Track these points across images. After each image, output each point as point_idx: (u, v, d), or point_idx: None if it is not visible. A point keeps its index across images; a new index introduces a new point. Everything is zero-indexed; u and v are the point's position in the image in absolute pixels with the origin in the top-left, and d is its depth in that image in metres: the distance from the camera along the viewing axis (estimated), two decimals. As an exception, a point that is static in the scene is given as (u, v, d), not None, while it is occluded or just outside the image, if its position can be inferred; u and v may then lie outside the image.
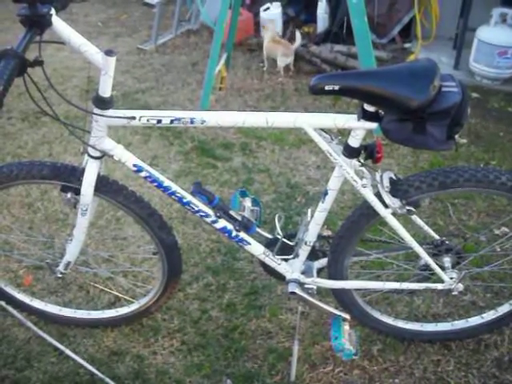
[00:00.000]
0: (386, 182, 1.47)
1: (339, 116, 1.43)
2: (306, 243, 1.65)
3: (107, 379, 1.79)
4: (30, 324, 1.97)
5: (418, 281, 1.76)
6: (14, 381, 1.81)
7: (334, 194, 1.54)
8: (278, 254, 1.70)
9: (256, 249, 1.69)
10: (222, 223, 1.63)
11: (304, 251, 1.67)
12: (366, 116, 1.39)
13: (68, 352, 1.88)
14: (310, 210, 1.69)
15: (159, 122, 1.46)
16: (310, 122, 1.43)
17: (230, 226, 1.63)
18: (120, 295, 2.07)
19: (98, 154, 1.54)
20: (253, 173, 2.90)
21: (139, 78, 4.01)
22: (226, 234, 1.65)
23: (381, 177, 1.49)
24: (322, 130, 1.47)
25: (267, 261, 1.71)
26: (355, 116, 1.42)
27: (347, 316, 1.76)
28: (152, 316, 2.02)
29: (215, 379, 1.83)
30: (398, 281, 1.81)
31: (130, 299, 2.01)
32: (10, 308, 2.00)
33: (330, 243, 1.69)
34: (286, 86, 3.88)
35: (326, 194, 1.55)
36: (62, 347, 1.90)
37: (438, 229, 1.78)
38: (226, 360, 1.89)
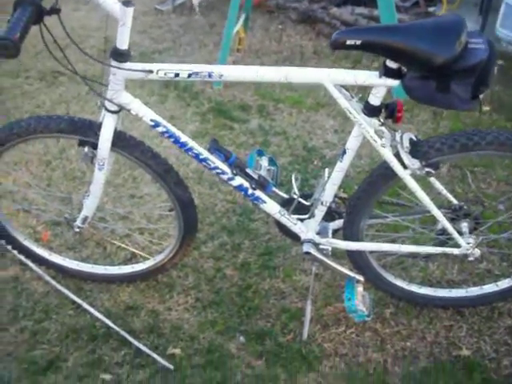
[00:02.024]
0: (406, 143, 1.45)
1: (360, 72, 1.40)
2: (322, 203, 1.64)
3: (123, 332, 1.82)
4: (48, 277, 2.01)
5: (435, 245, 1.75)
6: (32, 331, 1.84)
7: (352, 154, 1.53)
8: (293, 214, 1.70)
9: (272, 207, 1.68)
10: (239, 181, 1.62)
11: (320, 211, 1.67)
12: (387, 73, 1.36)
13: (85, 305, 1.91)
14: (326, 170, 1.67)
15: (177, 75, 1.44)
16: (331, 77, 1.41)
17: (246, 184, 1.63)
18: (136, 252, 2.09)
19: (115, 108, 1.53)
20: (269, 135, 2.88)
21: (156, 38, 3.96)
22: (242, 192, 1.64)
23: (401, 137, 1.47)
24: (343, 87, 1.44)
25: (283, 220, 1.71)
26: (377, 73, 1.39)
27: (361, 278, 1.76)
28: (167, 273, 2.04)
29: (228, 336, 1.85)
30: (413, 245, 1.80)
31: (146, 256, 2.03)
32: (29, 262, 2.04)
33: (347, 204, 1.68)
34: (305, 48, 3.82)
35: (344, 153, 1.53)
36: (79, 301, 1.93)
37: (456, 196, 1.76)
38: (239, 318, 1.91)
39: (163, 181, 1.68)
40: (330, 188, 1.61)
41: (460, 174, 2.57)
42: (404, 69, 1.37)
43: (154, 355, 1.76)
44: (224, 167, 1.60)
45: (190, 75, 1.44)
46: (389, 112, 1.42)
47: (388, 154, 1.48)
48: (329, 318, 1.91)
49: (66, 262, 2.01)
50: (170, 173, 1.68)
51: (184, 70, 1.43)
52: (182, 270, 2.08)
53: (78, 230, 1.82)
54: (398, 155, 1.48)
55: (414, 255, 1.84)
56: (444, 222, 1.63)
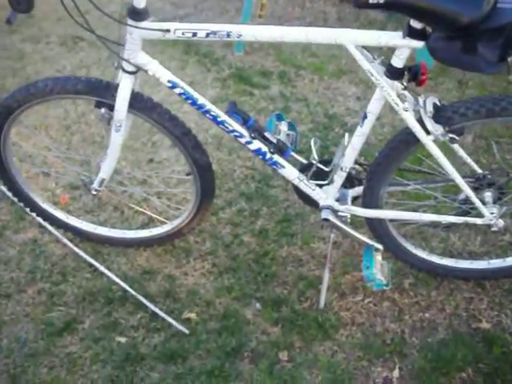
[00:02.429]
0: (430, 107, 1.40)
1: (383, 33, 1.35)
2: (341, 169, 1.60)
3: (139, 296, 1.83)
4: (66, 240, 2.02)
5: (457, 215, 1.71)
6: (49, 293, 1.86)
7: (373, 118, 1.48)
8: (312, 179, 1.67)
9: (290, 172, 1.65)
10: (257, 145, 1.59)
11: (339, 177, 1.63)
12: (412, 33, 1.30)
13: (102, 269, 1.92)
14: (347, 135, 1.63)
15: (194, 35, 1.41)
16: (353, 38, 1.36)
17: (264, 148, 1.60)
18: (154, 216, 2.08)
19: (132, 68, 1.50)
20: (290, 101, 2.82)
21: (177, 3, 3.89)
22: (261, 156, 1.61)
23: (424, 101, 1.42)
24: (365, 48, 1.39)
25: (301, 186, 1.68)
26: (400, 34, 1.33)
27: (380, 246, 1.73)
28: (184, 238, 2.04)
29: (244, 302, 1.85)
30: (435, 214, 1.76)
31: (164, 220, 2.02)
32: (47, 224, 2.05)
33: (367, 171, 1.64)
34: (329, 14, 3.72)
35: (364, 117, 1.49)
36: (96, 264, 1.94)
37: (481, 166, 1.70)
38: (255, 284, 1.90)
39: (181, 144, 1.66)
40: (349, 153, 1.57)
41: (485, 144, 2.50)
42: (429, 29, 1.31)
43: (170, 319, 1.77)
44: (242, 130, 1.57)
45: (208, 34, 1.40)
46: (412, 75, 1.37)
47: (410, 119, 1.43)
48: (346, 286, 1.89)
49: (84, 225, 2.02)
50: (188, 136, 1.66)
51: (202, 29, 1.40)
52: (200, 236, 2.07)
53: (95, 192, 1.82)
54: (420, 120, 1.43)
55: (435, 224, 1.80)
56: (467, 190, 1.58)
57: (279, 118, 1.75)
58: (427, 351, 1.71)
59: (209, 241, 2.06)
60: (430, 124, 1.41)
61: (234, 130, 1.56)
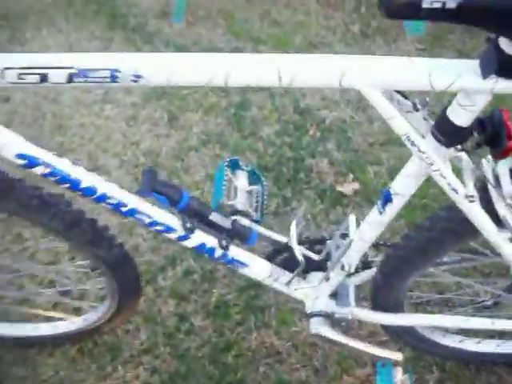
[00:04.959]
0: (508, 184, 0.76)
1: (439, 64, 0.68)
2: (342, 268, 0.98)
3: None
4: None
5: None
6: None
7: (402, 202, 0.84)
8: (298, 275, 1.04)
9: (259, 270, 1.02)
10: (198, 238, 0.94)
11: (337, 276, 1.01)
12: (504, 67, 0.64)
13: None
14: (352, 218, 0.97)
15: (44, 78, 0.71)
16: (377, 77, 0.69)
17: (211, 242, 0.95)
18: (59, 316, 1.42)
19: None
20: (248, 93, 2.14)
21: None
22: (207, 255, 0.97)
23: (494, 171, 0.78)
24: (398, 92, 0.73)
25: (277, 286, 1.05)
26: (476, 65, 0.68)
27: (399, 356, 1.13)
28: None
29: None
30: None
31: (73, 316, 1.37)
32: None
33: (383, 261, 1.02)
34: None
35: (387, 198, 0.84)
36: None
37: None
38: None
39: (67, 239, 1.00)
40: (357, 248, 0.94)
41: None
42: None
43: None
44: (170, 221, 0.91)
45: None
46: (487, 138, 0.72)
47: (476, 211, 0.79)
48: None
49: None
50: (80, 225, 0.99)
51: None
52: (132, 322, 1.44)
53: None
54: (490, 207, 0.79)
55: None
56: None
57: (234, 165, 1.10)
58: None
59: (144, 329, 1.43)
60: (505, 211, 0.78)
61: (154, 223, 0.90)
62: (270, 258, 1.07)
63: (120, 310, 1.24)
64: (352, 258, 0.95)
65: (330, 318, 1.07)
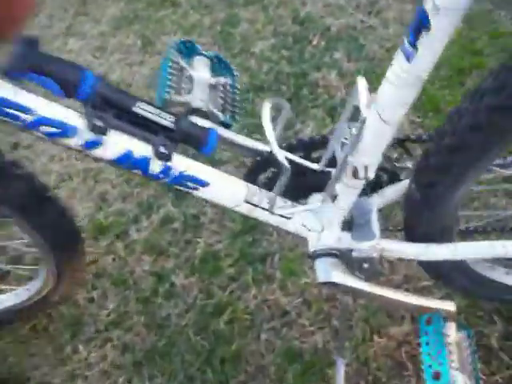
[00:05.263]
0: None
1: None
2: (355, 174, 0.62)
3: None
4: None
5: None
6: None
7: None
8: (286, 195, 0.69)
9: (227, 192, 0.67)
10: (118, 144, 0.60)
11: (348, 191, 0.65)
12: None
13: None
14: (362, 84, 0.61)
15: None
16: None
17: (142, 149, 0.60)
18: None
19: None
20: (236, 6, 1.77)
21: None
22: (140, 172, 0.63)
23: None
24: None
25: (258, 215, 0.70)
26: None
27: (451, 306, 0.78)
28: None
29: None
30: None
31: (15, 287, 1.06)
32: None
33: (421, 157, 0.66)
34: None
35: (422, 23, 0.47)
36: None
37: None
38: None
39: None
40: (374, 142, 0.58)
41: None
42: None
43: None
44: (67, 116, 0.57)
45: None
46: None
47: None
48: (381, 365, 0.97)
49: None
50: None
51: None
52: (96, 284, 1.12)
53: None
54: None
55: None
56: None
57: (187, 49, 0.75)
58: None
59: (113, 295, 1.11)
60: None
61: (39, 121, 0.56)
62: (249, 178, 0.72)
63: (61, 271, 0.91)
64: (369, 155, 0.59)
65: (345, 258, 0.72)
